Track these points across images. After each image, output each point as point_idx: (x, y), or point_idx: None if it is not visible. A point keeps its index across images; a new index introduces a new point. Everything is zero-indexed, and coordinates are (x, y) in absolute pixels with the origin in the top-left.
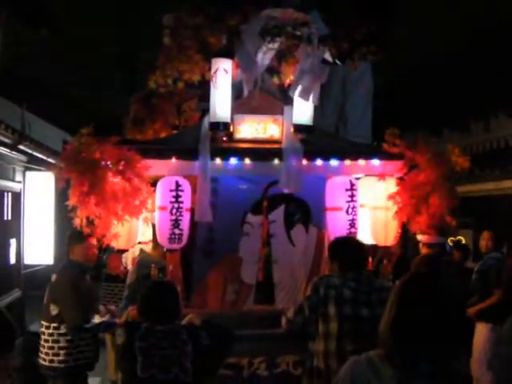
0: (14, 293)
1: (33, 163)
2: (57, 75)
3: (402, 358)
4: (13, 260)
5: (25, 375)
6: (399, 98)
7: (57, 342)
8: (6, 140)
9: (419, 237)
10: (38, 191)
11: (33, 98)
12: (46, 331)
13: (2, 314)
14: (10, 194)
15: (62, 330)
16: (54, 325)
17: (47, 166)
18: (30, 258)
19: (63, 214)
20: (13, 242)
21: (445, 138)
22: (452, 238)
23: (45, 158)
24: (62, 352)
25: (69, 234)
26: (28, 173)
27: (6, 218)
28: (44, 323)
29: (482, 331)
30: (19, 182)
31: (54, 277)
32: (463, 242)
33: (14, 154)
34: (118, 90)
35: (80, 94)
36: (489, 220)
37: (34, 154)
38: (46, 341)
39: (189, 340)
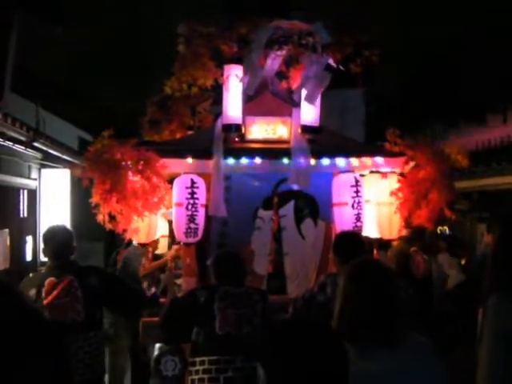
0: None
1: (48, 160)
2: (71, 73)
3: (356, 336)
4: (29, 257)
5: None
6: (416, 91)
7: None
8: (21, 137)
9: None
10: (54, 188)
11: (47, 96)
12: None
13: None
14: (25, 191)
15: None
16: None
17: (63, 163)
18: None
19: (80, 210)
20: (29, 239)
21: (461, 130)
22: (440, 228)
23: (60, 155)
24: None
25: None
26: (43, 170)
27: (22, 216)
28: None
29: None
30: (35, 179)
31: None
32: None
33: (30, 152)
34: (132, 87)
35: (94, 92)
36: (506, 214)
37: (50, 151)
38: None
39: (260, 299)
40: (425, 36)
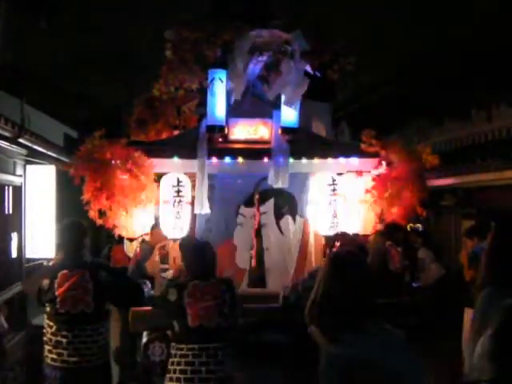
0: (15, 287)
1: (34, 157)
2: (56, 68)
3: (327, 326)
4: (14, 254)
5: (28, 368)
6: (401, 87)
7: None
8: (6, 133)
9: None
10: (39, 185)
11: (33, 92)
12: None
13: None
14: (10, 187)
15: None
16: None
17: (48, 160)
18: (31, 252)
19: (65, 207)
20: (14, 235)
21: (446, 127)
22: (411, 225)
23: (46, 151)
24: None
25: None
26: (29, 166)
27: (6, 212)
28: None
29: (467, 316)
30: (20, 175)
31: None
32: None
33: (15, 148)
34: (119, 85)
35: (80, 89)
36: (491, 210)
37: (35, 147)
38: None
39: (227, 290)
40: (412, 34)
